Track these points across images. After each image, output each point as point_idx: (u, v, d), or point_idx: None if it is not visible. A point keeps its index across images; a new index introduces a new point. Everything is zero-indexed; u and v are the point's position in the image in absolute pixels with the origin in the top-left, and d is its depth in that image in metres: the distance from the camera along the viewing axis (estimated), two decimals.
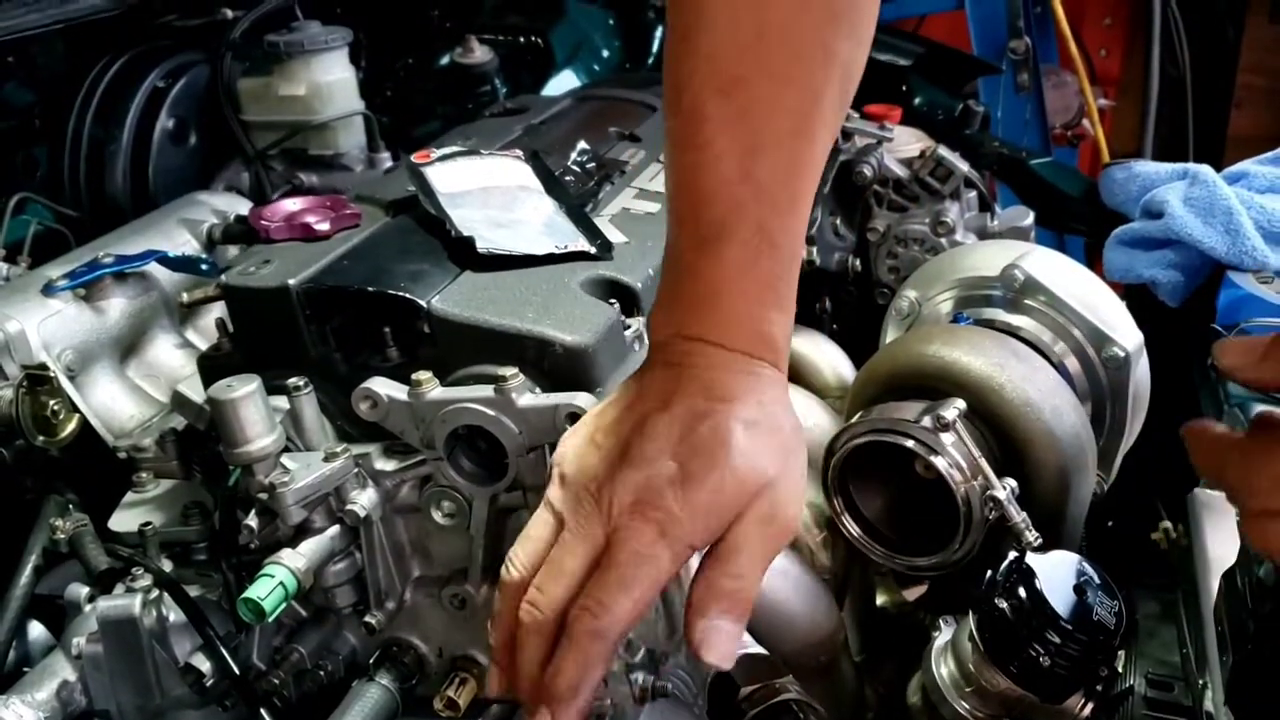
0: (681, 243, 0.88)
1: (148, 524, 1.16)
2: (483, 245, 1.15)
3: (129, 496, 1.23)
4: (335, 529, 1.08)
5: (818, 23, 0.83)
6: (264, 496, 1.03)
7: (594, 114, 1.70)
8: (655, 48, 2.53)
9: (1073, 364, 1.50)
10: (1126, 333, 1.49)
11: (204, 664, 1.10)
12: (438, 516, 1.09)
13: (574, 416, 0.98)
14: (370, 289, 1.09)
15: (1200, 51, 3.59)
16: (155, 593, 1.09)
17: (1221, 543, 1.30)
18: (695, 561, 0.97)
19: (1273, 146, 1.75)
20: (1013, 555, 1.23)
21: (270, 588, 1.00)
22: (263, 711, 1.08)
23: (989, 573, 1.24)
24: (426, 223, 1.22)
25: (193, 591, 1.13)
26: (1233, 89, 3.93)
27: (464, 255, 1.16)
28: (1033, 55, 2.80)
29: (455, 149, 1.36)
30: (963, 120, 2.19)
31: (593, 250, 1.19)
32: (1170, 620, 1.41)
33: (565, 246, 1.18)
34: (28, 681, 1.08)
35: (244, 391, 1.02)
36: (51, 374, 1.25)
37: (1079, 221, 1.99)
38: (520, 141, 1.52)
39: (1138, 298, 1.70)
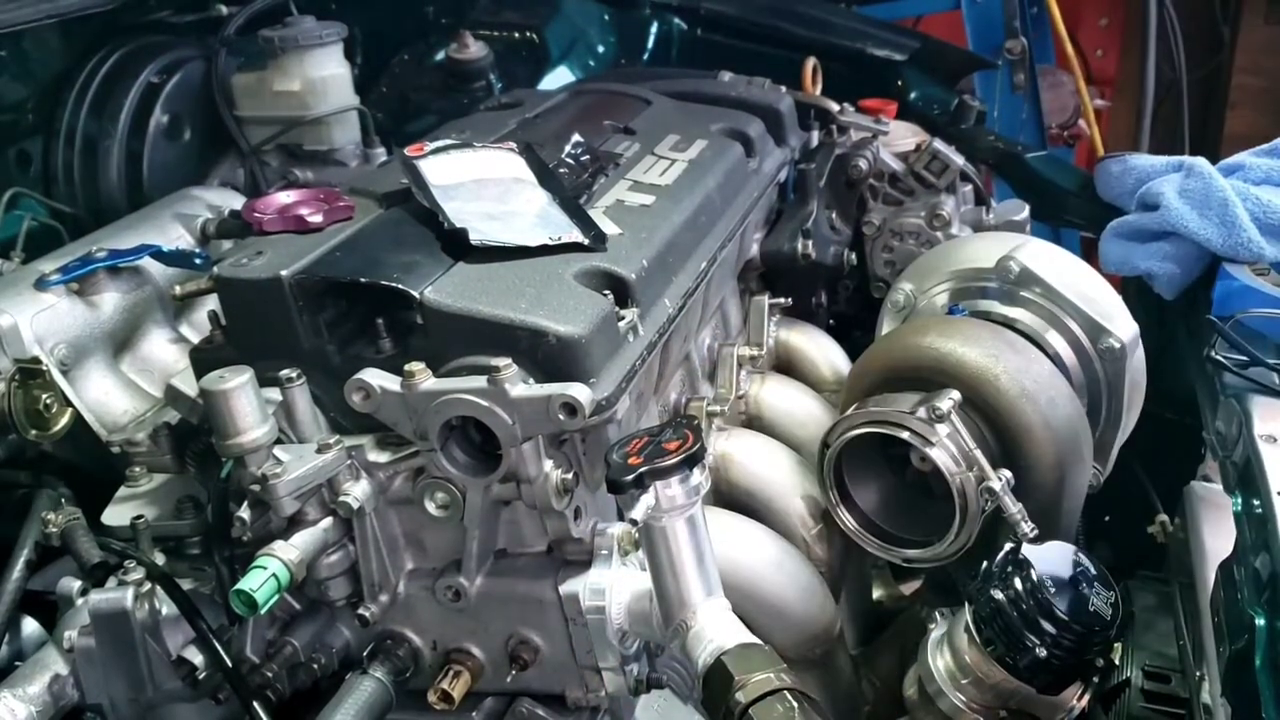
0: None
1: (140, 518, 1.15)
2: (476, 237, 1.15)
3: (122, 490, 1.22)
4: (328, 521, 1.08)
5: None
6: (256, 488, 1.03)
7: (589, 108, 1.69)
8: (650, 43, 2.53)
9: (1068, 355, 1.50)
10: (1122, 324, 1.49)
11: (197, 657, 1.09)
12: (431, 508, 1.08)
13: (568, 407, 0.98)
14: (363, 280, 1.09)
15: (1196, 52, 3.60)
16: (148, 586, 1.08)
17: (1218, 535, 1.30)
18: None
19: None
20: (1008, 547, 1.23)
21: (263, 580, 1.00)
22: (256, 705, 1.07)
23: (985, 564, 1.24)
24: (420, 215, 1.22)
25: (185, 585, 1.13)
26: (1228, 89, 3.93)
27: (457, 247, 1.16)
28: (1029, 55, 2.80)
29: (448, 142, 1.35)
30: (958, 115, 2.19)
31: (586, 241, 1.19)
32: (1167, 612, 1.41)
33: (559, 238, 1.18)
34: (19, 675, 1.08)
35: (236, 383, 1.01)
36: (44, 368, 1.24)
37: (1075, 215, 1.99)
38: (514, 135, 1.52)
39: (1134, 290, 1.70)
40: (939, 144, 1.84)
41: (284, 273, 1.09)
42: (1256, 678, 0.98)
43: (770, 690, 0.89)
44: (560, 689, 1.15)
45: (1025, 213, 1.87)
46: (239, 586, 0.99)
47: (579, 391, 0.98)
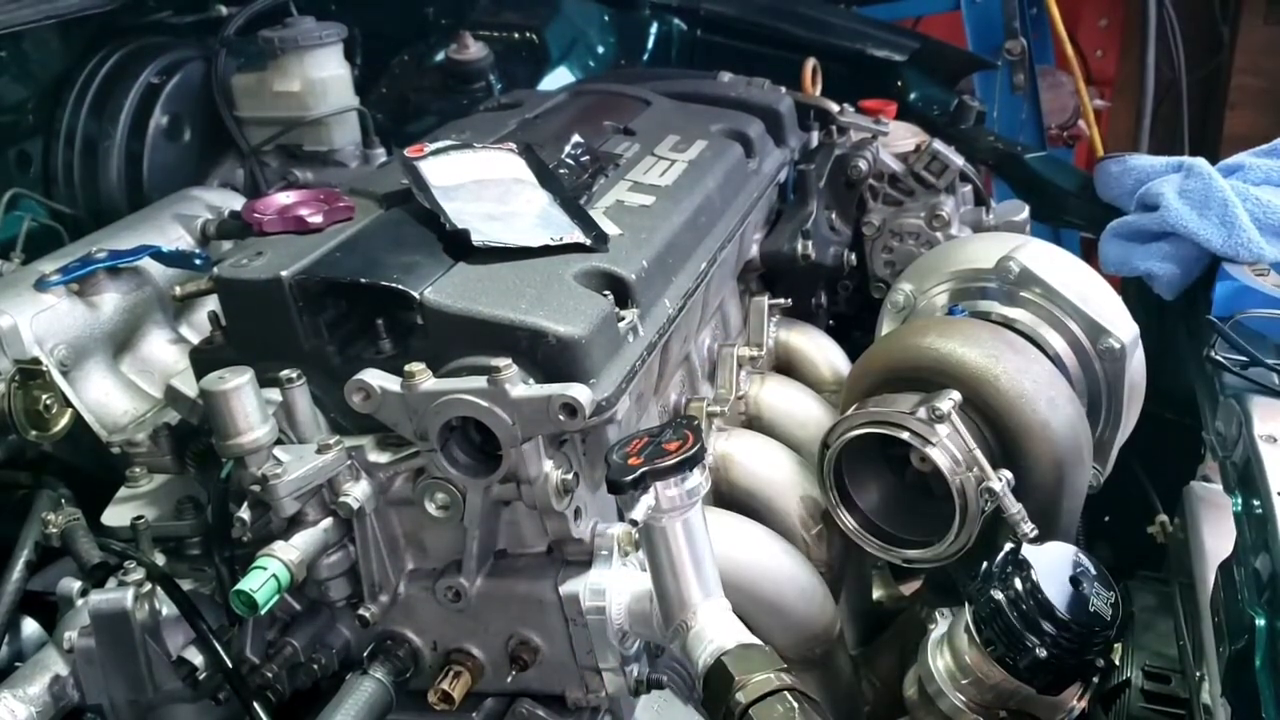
0: None
1: (140, 518, 1.15)
2: (478, 238, 1.15)
3: (122, 491, 1.22)
4: (328, 521, 1.08)
5: None
6: (256, 489, 1.03)
7: (589, 108, 1.69)
8: (650, 44, 2.53)
9: (1068, 356, 1.50)
10: (1122, 325, 1.49)
11: (197, 657, 1.09)
12: (431, 509, 1.08)
13: (568, 407, 0.98)
14: (363, 280, 1.09)
15: (1195, 53, 3.60)
16: (148, 586, 1.08)
17: (1218, 535, 1.30)
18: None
19: None
20: (1008, 547, 1.23)
21: (263, 580, 0.99)
22: (256, 705, 1.08)
23: (985, 564, 1.24)
24: (420, 215, 1.22)
25: (186, 585, 1.13)
26: (1227, 90, 3.94)
27: (457, 247, 1.16)
28: (1028, 56, 2.81)
29: (448, 143, 1.35)
30: (958, 115, 2.19)
31: (588, 242, 1.19)
32: (1167, 613, 1.41)
33: (561, 238, 1.18)
34: (19, 676, 1.08)
35: (235, 383, 1.01)
36: (44, 368, 1.24)
37: (1074, 215, 1.99)
38: (514, 135, 1.52)
39: (1134, 290, 1.70)
40: (939, 144, 1.85)
41: (284, 273, 1.09)
42: (1256, 678, 0.98)
43: (770, 690, 0.90)
44: (560, 689, 1.15)
45: (1025, 213, 1.87)
46: (239, 587, 0.98)
47: (579, 392, 0.98)
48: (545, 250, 1.16)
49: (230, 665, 1.08)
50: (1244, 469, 1.17)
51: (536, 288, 1.10)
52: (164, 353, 1.44)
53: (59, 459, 1.29)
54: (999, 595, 1.19)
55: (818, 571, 1.42)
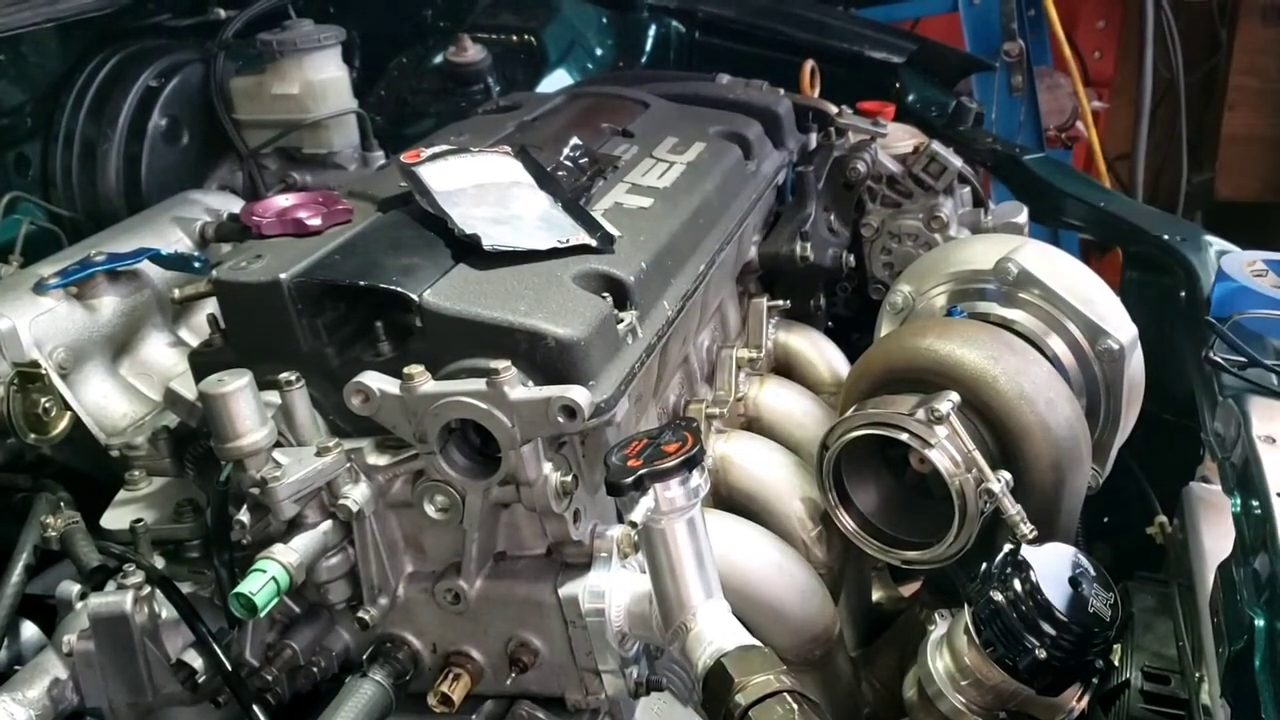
0: None
1: (139, 521, 1.15)
2: (489, 243, 1.14)
3: (121, 494, 1.22)
4: (328, 524, 1.08)
5: None
6: (255, 491, 1.03)
7: (587, 110, 1.69)
8: (648, 46, 2.54)
9: (1067, 357, 1.50)
10: (1121, 326, 1.49)
11: (196, 660, 1.09)
12: (431, 511, 1.08)
13: (567, 409, 0.98)
14: (362, 283, 1.09)
15: (1193, 54, 3.61)
16: (147, 589, 1.08)
17: (1217, 536, 1.30)
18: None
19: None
20: (1008, 548, 1.23)
21: (262, 583, 0.99)
22: (255, 708, 1.07)
23: (984, 565, 1.24)
24: (418, 218, 1.22)
25: (185, 588, 1.13)
26: (1225, 91, 3.95)
27: (456, 249, 1.16)
28: (1026, 57, 2.81)
29: (444, 147, 1.35)
30: (956, 117, 2.20)
31: (594, 243, 1.19)
32: (1166, 613, 1.41)
33: (567, 240, 1.18)
34: (19, 679, 1.08)
35: (234, 386, 1.01)
36: (43, 371, 1.25)
37: (1073, 217, 1.99)
38: (513, 138, 1.52)
39: (1133, 291, 1.70)
40: (937, 146, 1.85)
41: (283, 276, 1.09)
42: (1256, 678, 0.98)
43: (770, 692, 0.90)
44: (560, 691, 1.15)
45: (1023, 215, 1.87)
46: (238, 590, 0.98)
47: (578, 394, 0.98)
48: (553, 253, 1.16)
49: (229, 668, 1.08)
50: (1243, 470, 1.17)
51: (535, 290, 1.10)
52: (163, 356, 1.44)
53: (58, 462, 1.29)
54: (998, 596, 1.19)
55: (817, 573, 1.42)
